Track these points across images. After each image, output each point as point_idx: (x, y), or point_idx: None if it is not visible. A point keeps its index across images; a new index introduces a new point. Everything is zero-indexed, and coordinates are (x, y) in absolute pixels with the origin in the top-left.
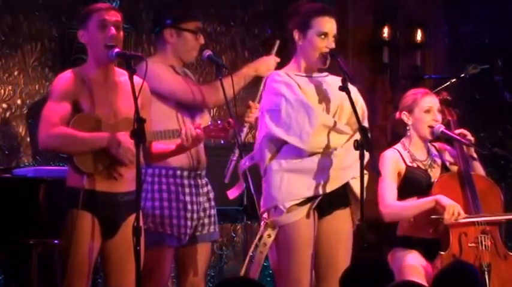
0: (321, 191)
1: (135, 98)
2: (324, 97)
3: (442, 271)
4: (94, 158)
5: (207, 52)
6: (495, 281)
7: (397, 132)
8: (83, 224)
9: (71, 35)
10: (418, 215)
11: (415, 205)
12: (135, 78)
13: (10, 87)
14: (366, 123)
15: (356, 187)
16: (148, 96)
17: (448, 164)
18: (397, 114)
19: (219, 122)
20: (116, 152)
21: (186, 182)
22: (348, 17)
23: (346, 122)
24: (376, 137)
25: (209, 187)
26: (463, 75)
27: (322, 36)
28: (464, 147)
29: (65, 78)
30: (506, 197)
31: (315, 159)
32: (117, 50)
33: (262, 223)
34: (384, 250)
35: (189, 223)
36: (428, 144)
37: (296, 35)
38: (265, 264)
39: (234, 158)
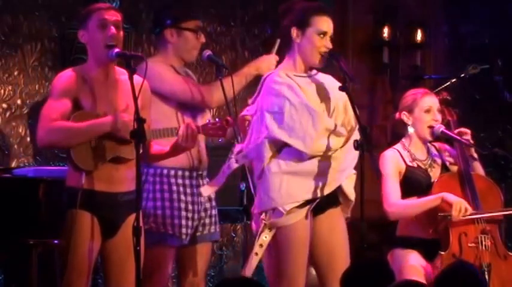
0: (319, 194)
1: (135, 99)
2: (323, 97)
3: (444, 271)
4: (93, 155)
5: (207, 52)
6: (495, 281)
7: (397, 132)
8: (82, 224)
9: (71, 35)
10: (422, 213)
11: (420, 203)
12: (136, 77)
13: (10, 87)
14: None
15: (346, 186)
16: (149, 96)
17: (448, 164)
18: (397, 114)
19: (217, 120)
20: (116, 129)
21: (187, 182)
22: (348, 17)
23: (342, 122)
24: (376, 137)
25: None
26: (463, 75)
27: (321, 35)
28: (464, 147)
29: (66, 76)
30: (506, 197)
31: (315, 162)
32: (117, 50)
33: (261, 224)
34: (384, 250)
35: (190, 223)
36: (428, 144)
37: (294, 32)
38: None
39: (233, 156)
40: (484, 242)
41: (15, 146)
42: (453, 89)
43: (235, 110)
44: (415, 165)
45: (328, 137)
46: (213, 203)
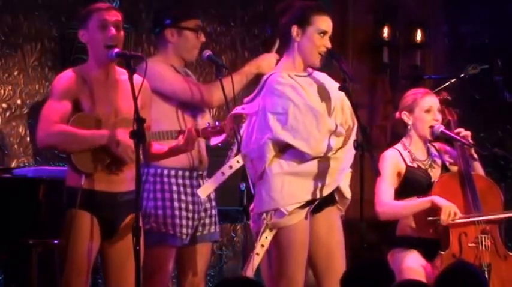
0: (319, 194)
1: (135, 99)
2: (323, 98)
3: (444, 271)
4: (93, 158)
5: (207, 52)
6: (495, 281)
7: (397, 132)
8: (82, 224)
9: (71, 35)
10: (415, 215)
11: (411, 204)
12: (136, 77)
13: (10, 87)
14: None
15: (342, 184)
16: (149, 96)
17: (448, 164)
18: (397, 114)
19: (216, 124)
20: (116, 150)
21: (188, 182)
22: (348, 17)
23: (340, 122)
24: (376, 137)
25: None
26: (463, 75)
27: (322, 35)
28: (465, 147)
29: (66, 77)
30: (506, 197)
31: (315, 162)
32: (117, 50)
33: (262, 224)
34: (384, 250)
35: (190, 222)
36: (428, 144)
37: (294, 30)
38: None
39: (233, 155)
40: (484, 242)
41: (15, 146)
42: (453, 89)
43: None
44: (416, 165)
45: (329, 138)
46: (213, 203)
